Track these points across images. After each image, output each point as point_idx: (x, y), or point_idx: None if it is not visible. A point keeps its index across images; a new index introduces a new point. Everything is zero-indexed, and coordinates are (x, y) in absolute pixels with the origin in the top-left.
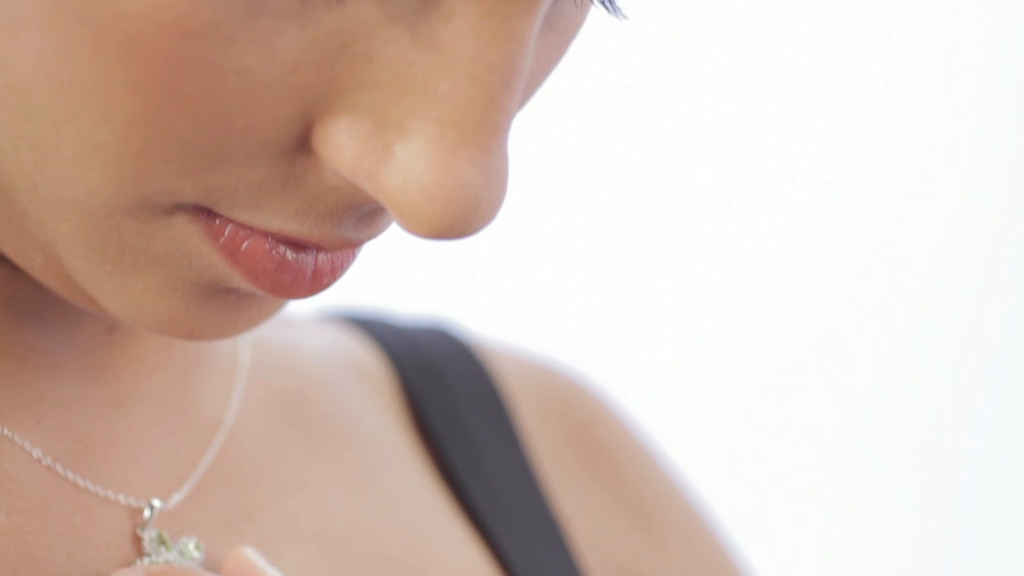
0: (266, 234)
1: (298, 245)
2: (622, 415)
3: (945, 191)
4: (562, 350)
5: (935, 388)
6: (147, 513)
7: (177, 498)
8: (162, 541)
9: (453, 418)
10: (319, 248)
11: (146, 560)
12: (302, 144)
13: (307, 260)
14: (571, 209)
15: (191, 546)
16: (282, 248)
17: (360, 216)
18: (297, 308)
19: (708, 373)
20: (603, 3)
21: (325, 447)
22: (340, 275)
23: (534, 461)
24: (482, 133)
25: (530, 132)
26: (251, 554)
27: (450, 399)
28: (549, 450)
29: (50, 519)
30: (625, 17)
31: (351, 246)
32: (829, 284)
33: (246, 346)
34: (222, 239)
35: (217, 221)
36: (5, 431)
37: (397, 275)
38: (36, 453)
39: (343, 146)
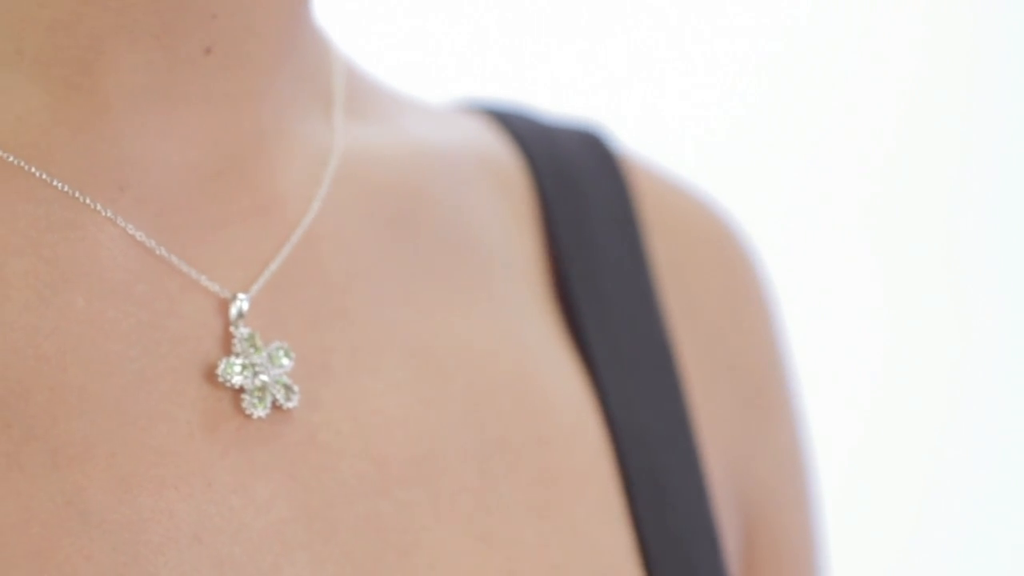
0: None
1: None
2: (763, 272)
3: None
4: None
5: None
6: (235, 306)
7: (257, 289)
8: (253, 343)
9: (583, 234)
10: None
11: (235, 362)
12: None
13: None
14: None
15: (281, 352)
16: None
17: None
18: (437, 98)
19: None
20: None
21: (437, 257)
22: None
23: (661, 294)
24: None
25: None
26: None
27: (583, 213)
28: (679, 288)
29: (130, 305)
30: None
31: None
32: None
33: (343, 133)
34: None
35: None
36: (86, 200)
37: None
38: (121, 223)
39: None
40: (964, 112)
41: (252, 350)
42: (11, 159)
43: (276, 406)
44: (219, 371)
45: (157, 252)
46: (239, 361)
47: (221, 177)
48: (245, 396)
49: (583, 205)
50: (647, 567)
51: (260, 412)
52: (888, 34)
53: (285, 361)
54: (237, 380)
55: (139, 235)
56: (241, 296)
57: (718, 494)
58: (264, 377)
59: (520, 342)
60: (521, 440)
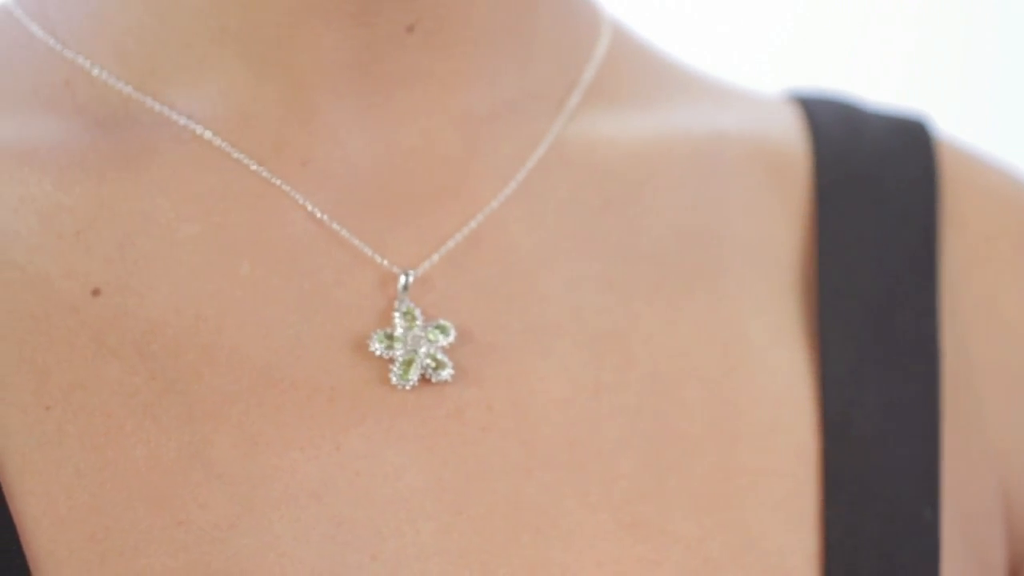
0: None
1: None
2: None
3: None
4: None
5: None
6: (402, 281)
7: (428, 267)
8: (410, 317)
9: (857, 227)
10: None
11: (386, 333)
12: None
13: None
14: None
15: (438, 328)
16: None
17: None
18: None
19: None
20: None
21: (656, 244)
22: None
23: (951, 292)
24: None
25: None
26: None
27: (866, 205)
28: (981, 285)
29: (296, 273)
30: None
31: None
32: None
33: (575, 117)
34: None
35: None
36: (262, 171)
37: None
38: (298, 198)
39: None
40: (958, 115)
41: (409, 324)
42: (199, 130)
43: (425, 379)
44: (370, 341)
45: (330, 225)
46: (393, 332)
47: (414, 156)
48: (392, 367)
49: (871, 197)
50: (828, 573)
51: (405, 383)
52: (882, 39)
53: (441, 337)
54: (386, 351)
55: (313, 208)
56: (407, 272)
57: (974, 507)
58: (413, 350)
59: (737, 335)
60: (702, 433)
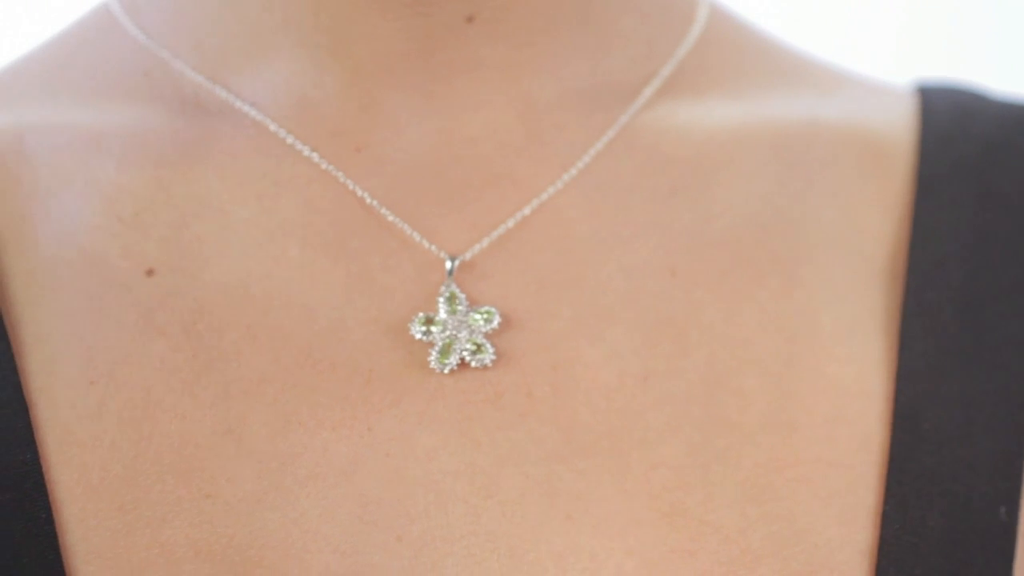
0: None
1: None
2: None
3: None
4: None
5: None
6: (448, 266)
7: (477, 253)
8: (454, 302)
9: (959, 220)
10: None
11: (439, 322)
12: None
13: None
14: None
15: (481, 313)
16: None
17: None
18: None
19: None
20: None
21: (726, 232)
22: None
23: None
24: None
25: None
26: None
27: (972, 198)
28: None
29: (343, 257)
30: None
31: None
32: None
33: (649, 106)
34: None
35: None
36: (313, 156)
37: None
38: (349, 184)
39: None
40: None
41: (452, 308)
42: (259, 117)
43: (465, 364)
44: (410, 325)
45: (379, 211)
46: (435, 317)
47: (473, 144)
48: (432, 351)
49: (974, 189)
50: (879, 570)
51: (443, 367)
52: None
53: (483, 321)
54: (426, 335)
55: (363, 193)
56: (455, 257)
57: None
58: (454, 334)
59: (808, 325)
60: (757, 422)
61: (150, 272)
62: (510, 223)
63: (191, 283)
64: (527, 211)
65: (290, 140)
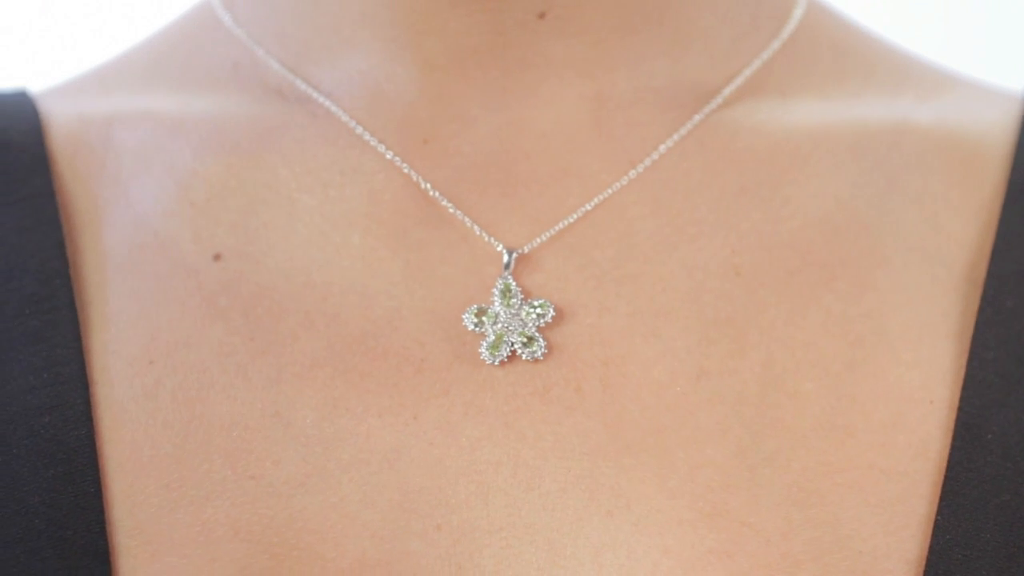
0: None
1: None
2: None
3: None
4: None
5: None
6: (505, 258)
7: (536, 247)
8: (508, 295)
9: None
10: None
11: (492, 315)
12: None
13: None
14: None
15: (535, 307)
16: None
17: None
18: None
19: None
20: None
21: (801, 232)
22: None
23: None
24: None
25: None
26: None
27: None
28: None
29: (403, 247)
30: None
31: None
32: None
33: (729, 104)
34: None
35: None
36: (379, 147)
37: None
38: (413, 175)
39: None
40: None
41: (506, 301)
42: (331, 107)
43: (516, 356)
44: (463, 316)
45: (441, 202)
46: (488, 309)
47: (541, 139)
48: (483, 342)
49: None
50: None
51: (493, 359)
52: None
53: (536, 315)
54: (478, 327)
55: (426, 185)
56: (512, 251)
57: None
58: (506, 327)
59: (875, 329)
60: (810, 425)
61: (217, 257)
62: (571, 218)
63: (255, 268)
64: (589, 206)
65: (359, 131)
